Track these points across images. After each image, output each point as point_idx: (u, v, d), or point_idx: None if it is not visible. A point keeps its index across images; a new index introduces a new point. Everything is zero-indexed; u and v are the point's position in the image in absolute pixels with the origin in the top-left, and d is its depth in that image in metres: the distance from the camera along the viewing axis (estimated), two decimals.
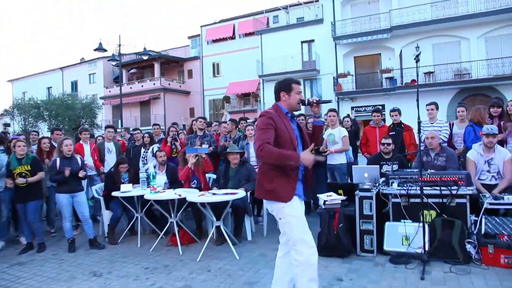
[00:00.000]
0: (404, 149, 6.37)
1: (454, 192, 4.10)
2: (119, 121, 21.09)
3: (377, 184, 4.61)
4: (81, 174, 5.10)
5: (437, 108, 6.22)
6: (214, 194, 4.59)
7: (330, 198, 4.54)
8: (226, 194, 4.54)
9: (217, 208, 4.68)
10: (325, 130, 6.54)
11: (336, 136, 6.24)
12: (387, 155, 5.72)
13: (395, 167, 5.58)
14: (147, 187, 5.23)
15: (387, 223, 4.32)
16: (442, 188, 4.15)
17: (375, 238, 4.26)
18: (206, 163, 5.69)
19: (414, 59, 3.79)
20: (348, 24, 21.53)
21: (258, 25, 26.52)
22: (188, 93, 31.71)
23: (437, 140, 5.21)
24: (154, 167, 5.78)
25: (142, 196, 5.09)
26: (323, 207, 4.49)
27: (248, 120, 7.92)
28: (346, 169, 6.31)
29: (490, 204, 4.11)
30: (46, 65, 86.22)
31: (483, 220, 4.06)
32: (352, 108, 21.43)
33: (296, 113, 3.11)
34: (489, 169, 4.84)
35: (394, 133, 6.37)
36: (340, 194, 4.80)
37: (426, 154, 5.21)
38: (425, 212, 4.17)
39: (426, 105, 6.25)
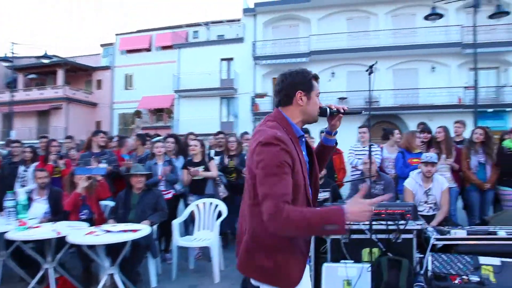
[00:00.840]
0: (334, 174, 5.86)
1: (402, 226, 3.53)
2: (10, 132, 18.27)
3: None
4: None
5: (369, 131, 5.83)
6: (107, 231, 3.43)
7: None
8: (125, 231, 3.42)
9: (112, 248, 3.54)
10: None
11: None
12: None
13: (326, 195, 4.97)
14: (16, 219, 3.88)
15: (324, 265, 3.59)
16: (388, 222, 3.56)
17: (313, 283, 3.51)
18: (102, 188, 4.47)
19: (367, 70, 3.23)
20: (268, 45, 21.52)
21: (177, 39, 25.44)
22: (95, 105, 29.09)
23: (375, 165, 4.72)
24: (30, 191, 4.42)
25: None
26: None
27: (158, 137, 6.80)
28: None
29: (438, 240, 3.63)
30: None
31: (430, 258, 3.56)
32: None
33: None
34: (427, 200, 4.45)
35: None
36: None
37: (362, 181, 4.67)
38: (368, 250, 3.55)
39: (358, 127, 5.86)
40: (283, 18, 21.99)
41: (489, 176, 5.02)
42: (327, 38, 20.46)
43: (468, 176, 5.08)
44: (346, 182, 5.26)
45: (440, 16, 12.90)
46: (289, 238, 1.69)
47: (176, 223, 4.48)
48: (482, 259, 3.44)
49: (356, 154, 5.70)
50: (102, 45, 30.78)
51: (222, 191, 5.16)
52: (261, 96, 21.65)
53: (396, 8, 20.74)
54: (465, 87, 19.17)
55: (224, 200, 5.06)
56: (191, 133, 6.22)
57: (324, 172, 5.08)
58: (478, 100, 14.29)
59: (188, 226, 5.29)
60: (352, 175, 5.80)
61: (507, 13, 12.41)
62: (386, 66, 20.72)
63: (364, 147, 5.72)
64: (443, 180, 4.47)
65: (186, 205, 5.26)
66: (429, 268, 3.48)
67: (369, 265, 3.40)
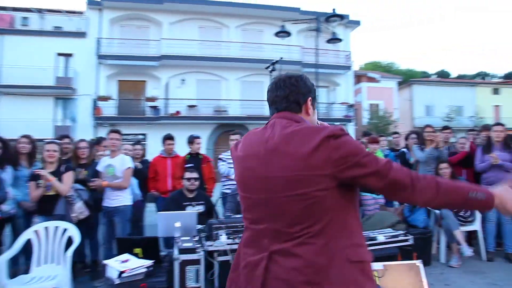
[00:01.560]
0: (203, 184, 5.36)
1: None
2: None
3: (196, 238, 3.29)
4: None
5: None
6: None
7: (128, 266, 2.91)
8: None
9: None
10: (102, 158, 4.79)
11: (117, 168, 4.52)
12: (191, 193, 4.50)
13: (201, 208, 4.44)
14: None
15: None
16: None
17: None
18: None
19: (267, 67, 2.85)
20: (115, 44, 19.69)
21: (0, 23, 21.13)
22: None
23: None
24: None
25: None
26: (116, 281, 2.81)
27: None
28: (132, 213, 4.68)
29: None
30: None
31: None
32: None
33: None
34: None
35: (192, 165, 5.25)
36: (136, 255, 3.23)
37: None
38: None
39: (230, 134, 5.49)
40: (133, 17, 20.53)
41: None
42: (179, 44, 19.91)
43: None
44: (229, 195, 4.76)
45: (288, 34, 13.84)
46: (368, 256, 1.38)
47: (3, 260, 3.26)
48: None
49: (228, 163, 5.32)
50: None
51: (80, 210, 4.03)
52: (105, 99, 19.63)
53: (246, 23, 21.68)
54: None
55: (82, 221, 4.00)
56: (26, 136, 4.84)
57: (198, 183, 4.54)
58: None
59: (18, 259, 4.03)
60: (223, 185, 5.39)
61: (340, 40, 14.21)
62: (235, 77, 21.41)
63: None
64: None
65: (16, 231, 4.01)
66: None
67: None
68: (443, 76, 51.83)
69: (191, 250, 2.91)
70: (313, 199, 1.29)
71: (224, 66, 20.74)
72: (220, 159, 5.39)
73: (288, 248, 1.32)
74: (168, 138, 5.65)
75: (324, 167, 1.28)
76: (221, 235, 3.13)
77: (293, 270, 1.29)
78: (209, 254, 3.08)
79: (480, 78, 50.86)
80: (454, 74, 58.38)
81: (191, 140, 5.53)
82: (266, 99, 1.61)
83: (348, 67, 22.22)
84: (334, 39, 13.48)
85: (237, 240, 3.14)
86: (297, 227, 1.31)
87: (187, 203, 4.41)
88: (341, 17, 12.80)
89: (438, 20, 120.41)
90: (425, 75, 51.80)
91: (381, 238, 3.71)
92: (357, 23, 23.02)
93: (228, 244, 3.10)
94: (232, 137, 5.46)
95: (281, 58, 2.90)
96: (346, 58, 22.37)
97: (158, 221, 3.52)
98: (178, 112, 20.11)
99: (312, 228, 1.30)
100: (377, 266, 3.43)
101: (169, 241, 3.91)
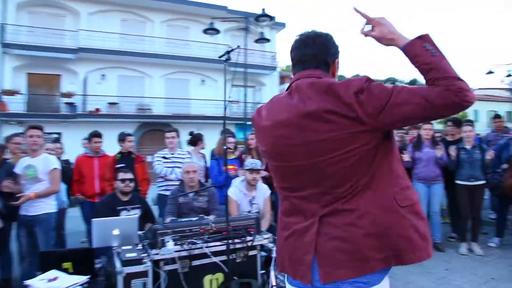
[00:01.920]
0: (137, 186, 4.93)
1: (249, 243, 3.06)
2: None
3: (140, 247, 2.93)
4: None
5: (178, 136, 5.19)
6: None
7: (58, 285, 2.49)
8: None
9: None
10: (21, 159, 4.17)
11: (39, 169, 3.95)
12: (125, 196, 4.08)
13: (137, 212, 4.04)
14: None
15: None
16: (235, 240, 3.03)
17: None
18: None
19: (221, 56, 2.60)
20: (23, 33, 17.73)
21: None
22: None
23: (198, 175, 4.12)
24: None
25: None
26: None
27: None
28: (56, 221, 4.12)
29: None
30: None
31: (273, 273, 3.23)
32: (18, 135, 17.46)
33: None
34: (250, 210, 4.18)
35: (124, 165, 4.79)
36: (66, 270, 2.80)
37: (185, 195, 4.00)
38: (211, 277, 2.94)
39: (166, 131, 5.14)
40: (44, 3, 18.60)
41: None
42: (99, 36, 18.57)
43: None
44: (169, 198, 4.36)
45: (217, 31, 13.61)
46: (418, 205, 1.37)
47: None
48: None
49: (164, 162, 4.96)
50: None
51: None
52: (11, 93, 17.60)
53: (172, 18, 20.93)
54: (230, 101, 21.09)
55: None
56: None
57: (132, 185, 4.13)
58: (239, 114, 16.06)
59: None
60: (159, 186, 5.02)
61: (268, 40, 14.35)
62: (159, 74, 20.60)
63: (172, 154, 5.05)
64: (265, 187, 4.32)
65: None
66: (274, 284, 3.15)
67: None
68: None
69: (137, 261, 2.56)
70: (359, 155, 1.26)
71: (147, 62, 19.83)
72: (164, 157, 5.01)
73: (338, 206, 1.30)
74: (96, 135, 5.11)
75: (362, 122, 1.24)
76: (167, 242, 2.82)
77: (349, 226, 1.26)
78: (155, 263, 2.76)
79: (390, 83, 55.51)
80: None
81: (123, 137, 5.04)
82: (291, 57, 1.48)
83: (274, 68, 22.60)
84: (262, 39, 13.56)
85: (185, 246, 2.86)
86: (345, 186, 1.28)
87: (122, 207, 3.99)
88: (270, 17, 12.92)
89: (356, 26, 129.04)
90: (341, 78, 54.96)
91: None
92: (282, 25, 23.52)
93: (176, 251, 2.81)
94: (168, 134, 5.15)
95: (238, 46, 2.68)
96: (272, 59, 22.73)
97: (92, 229, 3.08)
98: (97, 110, 18.83)
99: (359, 183, 1.28)
100: None
101: (102, 251, 3.48)
